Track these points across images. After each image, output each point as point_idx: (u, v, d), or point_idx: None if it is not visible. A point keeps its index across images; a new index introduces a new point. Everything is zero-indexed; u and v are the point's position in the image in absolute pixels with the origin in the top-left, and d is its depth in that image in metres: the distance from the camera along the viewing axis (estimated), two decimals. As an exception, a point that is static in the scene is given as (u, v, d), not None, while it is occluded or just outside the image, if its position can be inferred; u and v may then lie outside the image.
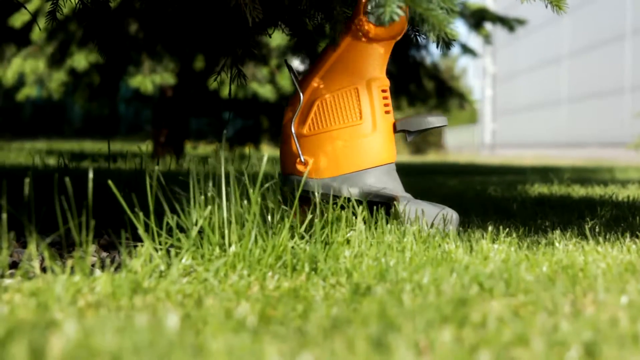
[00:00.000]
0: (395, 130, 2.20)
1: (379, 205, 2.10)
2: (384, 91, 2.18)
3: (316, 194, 2.03)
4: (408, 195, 2.13)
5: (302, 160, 2.16)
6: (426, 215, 2.04)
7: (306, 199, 2.15)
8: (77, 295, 1.37)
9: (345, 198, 2.08)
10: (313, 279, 1.55)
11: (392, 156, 2.20)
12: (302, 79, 2.21)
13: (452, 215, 2.08)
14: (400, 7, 1.71)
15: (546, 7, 2.05)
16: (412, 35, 2.26)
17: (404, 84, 8.22)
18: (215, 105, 9.75)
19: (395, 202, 2.06)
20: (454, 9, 1.75)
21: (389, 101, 2.20)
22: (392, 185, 2.16)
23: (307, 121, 2.16)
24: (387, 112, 2.18)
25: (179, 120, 8.66)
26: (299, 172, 2.17)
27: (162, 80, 7.40)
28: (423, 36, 2.16)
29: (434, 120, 2.21)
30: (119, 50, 7.08)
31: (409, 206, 2.04)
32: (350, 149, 2.14)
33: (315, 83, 2.17)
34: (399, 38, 2.20)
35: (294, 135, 2.16)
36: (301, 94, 2.17)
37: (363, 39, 2.13)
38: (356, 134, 2.14)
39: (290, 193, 2.14)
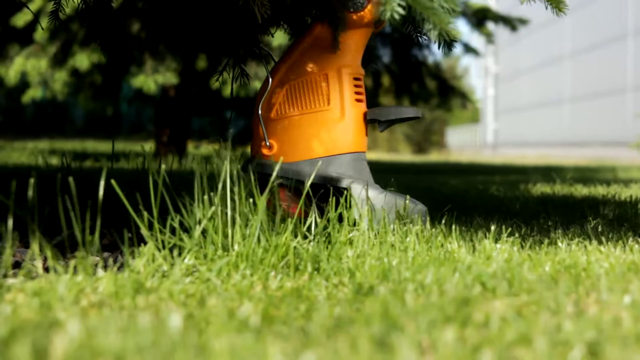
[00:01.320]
0: (365, 120, 2.16)
1: (338, 192, 2.09)
2: (356, 79, 2.16)
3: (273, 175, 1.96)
4: (375, 185, 2.11)
5: (267, 144, 2.14)
6: (377, 203, 2.03)
7: (265, 182, 2.11)
8: (80, 295, 1.37)
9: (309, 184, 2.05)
10: (316, 279, 1.55)
11: (360, 145, 2.16)
12: (275, 64, 2.20)
13: (417, 207, 2.07)
14: (401, 6, 1.70)
15: (546, 8, 2.04)
16: (414, 35, 2.23)
17: (406, 83, 8.22)
18: (217, 105, 9.76)
19: (347, 189, 2.04)
20: (456, 9, 1.74)
21: (362, 89, 2.18)
22: (356, 174, 2.13)
23: (275, 105, 2.15)
24: (358, 101, 2.15)
25: (181, 119, 8.67)
26: (264, 156, 2.15)
27: (165, 79, 7.40)
28: (424, 36, 2.15)
29: (406, 110, 2.18)
30: (122, 50, 7.09)
31: (356, 192, 2.03)
32: (316, 135, 2.12)
33: (285, 68, 2.15)
34: (375, 29, 2.16)
35: (260, 118, 2.15)
36: (270, 78, 2.15)
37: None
38: (323, 120, 2.12)
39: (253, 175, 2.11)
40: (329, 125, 2.12)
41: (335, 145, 2.12)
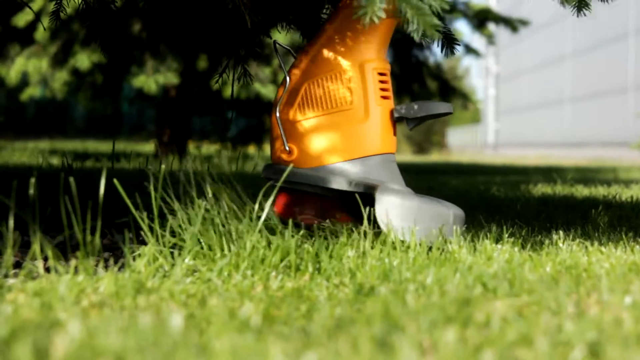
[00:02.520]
0: (392, 118, 2.00)
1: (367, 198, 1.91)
2: (381, 74, 1.99)
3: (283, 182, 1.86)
4: (406, 189, 1.94)
5: (287, 148, 1.98)
6: (409, 211, 1.85)
7: (292, 191, 2.00)
8: (81, 295, 1.37)
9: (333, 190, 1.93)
10: (317, 279, 1.55)
11: (388, 146, 2.00)
12: (293, 62, 2.04)
13: (453, 214, 1.92)
14: (382, 9, 1.60)
15: (564, 6, 1.99)
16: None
17: (407, 83, 8.22)
18: (218, 105, 9.76)
19: (374, 192, 1.86)
20: (445, 7, 1.70)
21: (388, 86, 2.01)
22: (386, 177, 1.96)
23: (294, 106, 1.98)
24: (384, 98, 1.98)
25: (182, 119, 8.67)
26: (284, 161, 1.98)
27: (166, 80, 7.41)
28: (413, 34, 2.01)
29: (437, 106, 1.99)
30: (122, 50, 7.09)
31: (386, 197, 1.85)
32: (339, 137, 1.95)
33: (304, 64, 1.99)
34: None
35: (279, 120, 1.99)
36: (287, 77, 2.00)
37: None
38: (346, 121, 1.95)
39: (274, 183, 1.97)
40: (353, 125, 1.95)
41: (360, 147, 1.95)
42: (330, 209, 1.98)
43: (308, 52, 2.00)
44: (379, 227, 1.83)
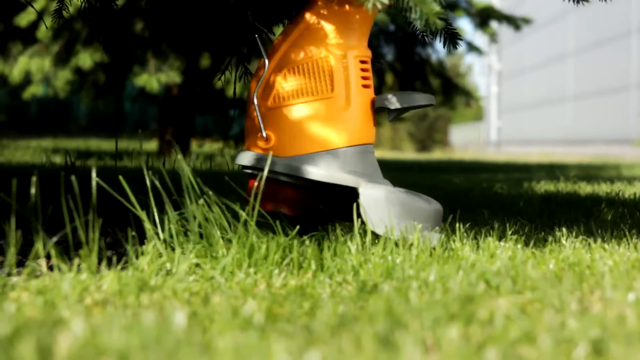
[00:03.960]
0: (373, 108, 1.94)
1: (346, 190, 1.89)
2: (363, 62, 1.93)
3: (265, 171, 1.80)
4: (384, 182, 1.90)
5: (264, 135, 1.91)
6: (390, 205, 1.81)
7: (267, 179, 1.90)
8: (84, 294, 1.38)
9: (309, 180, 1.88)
10: (319, 277, 1.55)
11: (367, 136, 1.93)
12: (272, 45, 1.97)
13: (434, 209, 1.89)
14: None
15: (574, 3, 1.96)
16: (418, 34, 2.17)
17: (410, 81, 8.22)
18: (221, 103, 9.76)
19: (354, 185, 1.83)
20: None
21: (369, 74, 1.94)
22: (364, 168, 1.90)
23: (272, 92, 1.91)
24: (365, 87, 1.93)
25: (185, 118, 8.67)
26: (260, 149, 1.92)
27: (168, 78, 7.41)
28: (415, 29, 1.97)
29: (417, 97, 1.94)
30: (125, 49, 7.09)
31: (367, 190, 1.82)
32: (318, 125, 1.89)
33: (284, 49, 1.92)
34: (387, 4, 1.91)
35: (256, 106, 1.92)
36: (266, 61, 1.92)
37: (335, 2, 1.89)
38: (326, 109, 1.89)
39: (249, 172, 1.94)
40: (333, 114, 1.89)
41: (340, 136, 1.89)
42: (305, 199, 1.93)
43: (289, 35, 1.93)
44: (360, 221, 1.79)
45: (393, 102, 1.93)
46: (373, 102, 1.94)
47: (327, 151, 1.89)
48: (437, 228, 1.92)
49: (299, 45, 1.91)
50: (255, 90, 1.93)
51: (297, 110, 1.90)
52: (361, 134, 1.92)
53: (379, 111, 1.96)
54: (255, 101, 1.93)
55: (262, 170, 1.85)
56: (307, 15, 1.92)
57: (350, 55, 1.90)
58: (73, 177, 1.56)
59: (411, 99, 1.94)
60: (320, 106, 1.89)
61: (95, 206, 1.56)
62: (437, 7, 1.61)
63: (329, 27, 1.90)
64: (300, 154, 1.90)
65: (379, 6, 1.59)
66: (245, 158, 1.94)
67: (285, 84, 1.91)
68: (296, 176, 1.89)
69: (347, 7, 1.89)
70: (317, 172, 1.87)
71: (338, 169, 1.88)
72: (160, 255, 1.62)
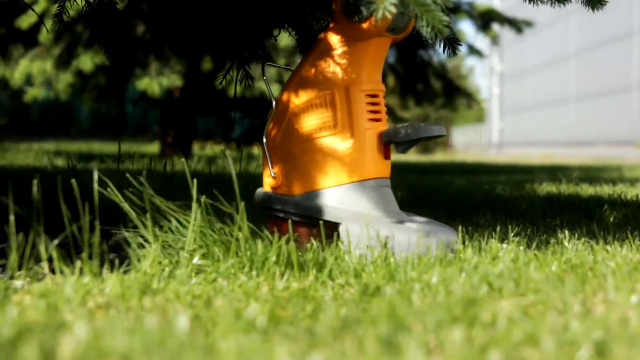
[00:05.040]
0: (382, 141, 1.91)
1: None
2: (371, 96, 1.91)
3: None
4: (396, 216, 1.88)
5: (273, 174, 1.94)
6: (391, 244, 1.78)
7: (277, 218, 1.95)
8: (87, 297, 1.38)
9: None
10: (322, 279, 1.55)
11: (378, 170, 1.91)
12: (284, 85, 1.99)
13: (437, 239, 1.81)
14: (393, 4, 1.60)
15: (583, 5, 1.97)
16: (424, 39, 2.16)
17: (412, 83, 8.23)
18: (222, 105, 9.77)
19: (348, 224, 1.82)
20: (449, 5, 1.69)
21: (379, 107, 1.93)
22: (372, 205, 1.87)
23: (280, 131, 1.93)
24: (373, 120, 1.90)
25: (186, 120, 8.69)
26: (270, 188, 1.96)
27: (169, 82, 7.42)
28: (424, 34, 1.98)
29: (428, 129, 1.90)
30: (126, 51, 7.10)
31: (352, 232, 1.80)
32: (323, 162, 1.88)
33: (292, 88, 1.93)
34: (396, 35, 1.90)
35: (264, 145, 1.95)
36: (273, 100, 1.96)
37: (342, 37, 1.89)
38: (330, 146, 1.88)
39: (261, 210, 1.96)
40: (338, 150, 1.87)
41: (346, 172, 1.87)
42: (315, 230, 1.90)
43: (295, 75, 1.95)
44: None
45: (401, 136, 1.89)
46: (381, 136, 1.91)
47: (334, 187, 1.88)
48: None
49: (304, 84, 1.91)
50: (265, 129, 1.96)
51: (302, 149, 1.91)
52: (370, 169, 1.89)
53: (389, 143, 1.92)
54: (264, 140, 1.95)
55: (271, 209, 1.94)
56: (312, 54, 1.93)
57: (354, 90, 1.89)
58: (73, 181, 1.56)
59: (420, 131, 1.89)
60: (324, 143, 1.89)
61: (97, 209, 1.57)
62: (443, 17, 1.61)
63: (332, 65, 1.89)
64: (308, 191, 1.90)
65: (388, 15, 1.58)
66: (258, 196, 1.99)
67: (291, 122, 1.92)
68: (301, 215, 1.90)
69: (355, 42, 1.89)
70: (321, 209, 1.87)
71: (340, 207, 1.87)
72: (161, 259, 1.63)
